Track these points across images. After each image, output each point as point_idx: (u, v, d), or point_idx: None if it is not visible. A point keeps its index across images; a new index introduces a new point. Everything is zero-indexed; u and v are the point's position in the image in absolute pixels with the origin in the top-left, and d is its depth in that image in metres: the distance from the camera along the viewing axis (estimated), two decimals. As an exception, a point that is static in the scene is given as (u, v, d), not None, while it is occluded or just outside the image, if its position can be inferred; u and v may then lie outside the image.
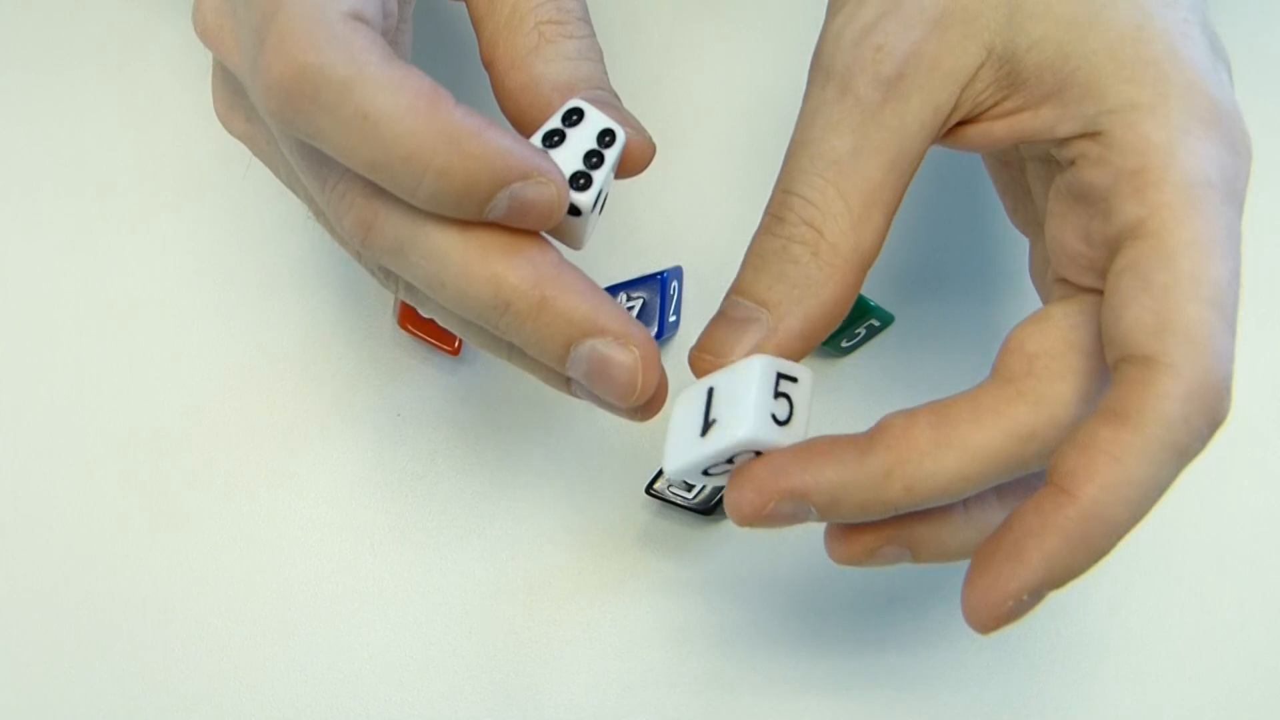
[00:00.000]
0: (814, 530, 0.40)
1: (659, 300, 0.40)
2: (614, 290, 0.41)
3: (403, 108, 0.26)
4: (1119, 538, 0.27)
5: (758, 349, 0.29)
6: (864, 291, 0.40)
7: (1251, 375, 0.41)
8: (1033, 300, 0.41)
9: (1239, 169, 0.29)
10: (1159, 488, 0.27)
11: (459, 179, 0.27)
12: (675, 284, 0.41)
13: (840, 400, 0.41)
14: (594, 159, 0.29)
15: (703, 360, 0.30)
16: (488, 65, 0.31)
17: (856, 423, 0.40)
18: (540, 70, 0.30)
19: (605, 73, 0.31)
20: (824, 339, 0.30)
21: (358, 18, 0.27)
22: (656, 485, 0.39)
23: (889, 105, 0.30)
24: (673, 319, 0.41)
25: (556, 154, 0.29)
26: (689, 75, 0.45)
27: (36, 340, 0.41)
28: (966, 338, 0.41)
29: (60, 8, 0.45)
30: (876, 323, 0.41)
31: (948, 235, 0.43)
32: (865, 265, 0.30)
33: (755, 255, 0.31)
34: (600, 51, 0.31)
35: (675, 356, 0.42)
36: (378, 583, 0.39)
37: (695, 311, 0.42)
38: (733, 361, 0.30)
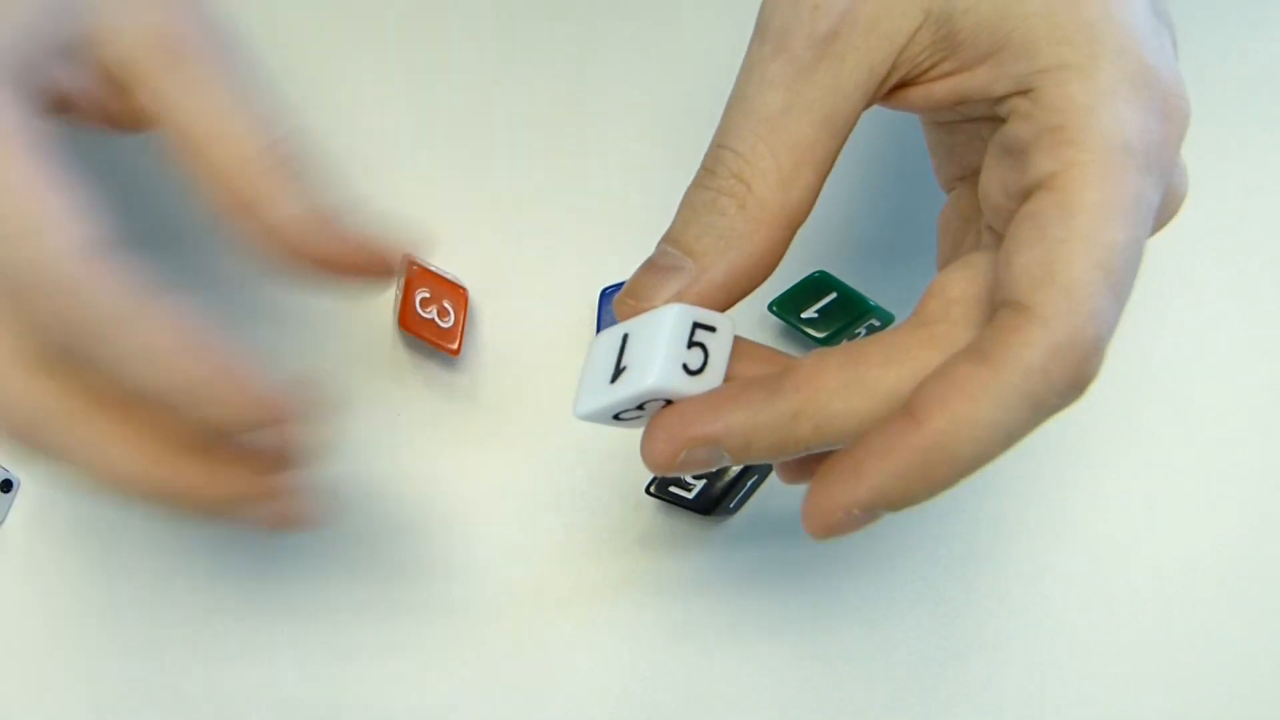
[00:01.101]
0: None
1: (659, 300, 0.40)
2: (614, 290, 0.41)
3: (161, 349, 0.29)
4: (960, 474, 0.28)
5: (679, 297, 0.30)
6: (863, 291, 0.41)
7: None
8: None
9: (1167, 134, 0.29)
10: (1008, 433, 0.27)
11: (226, 409, 0.30)
12: (675, 284, 0.41)
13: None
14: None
15: (625, 305, 0.31)
16: (233, 214, 0.32)
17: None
18: (291, 207, 0.32)
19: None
20: (748, 292, 0.31)
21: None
22: (656, 485, 0.39)
23: (823, 64, 0.30)
24: (673, 319, 0.41)
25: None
26: (689, 74, 0.45)
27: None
28: (966, 337, 0.41)
29: None
30: (877, 322, 0.41)
31: (948, 235, 0.43)
32: (793, 223, 0.31)
33: (686, 206, 0.31)
34: (319, 173, 0.33)
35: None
36: (377, 583, 0.39)
37: (695, 311, 0.42)
38: (653, 307, 0.30)
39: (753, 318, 0.41)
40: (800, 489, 0.39)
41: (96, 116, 0.33)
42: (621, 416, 0.30)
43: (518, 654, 0.39)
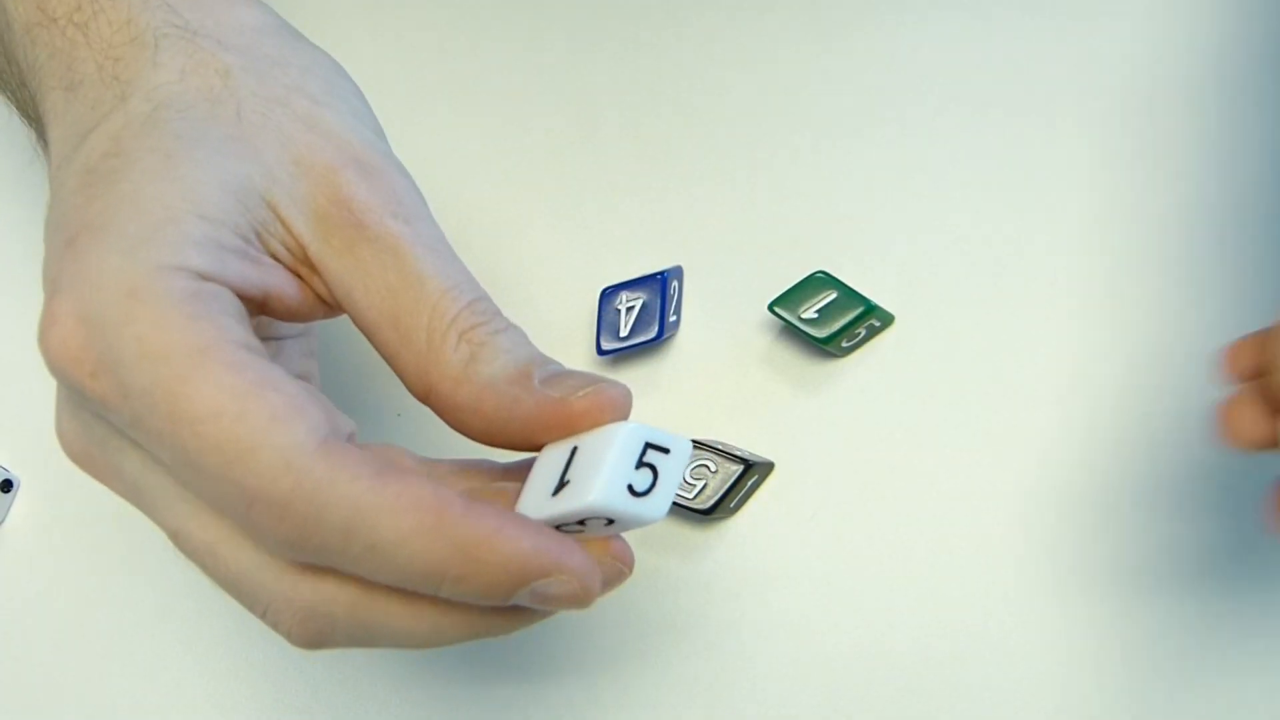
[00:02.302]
0: (814, 531, 0.40)
1: (659, 300, 0.40)
2: (614, 290, 0.41)
3: (408, 531, 0.26)
4: None
5: None
6: (864, 291, 0.41)
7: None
8: (1032, 300, 0.41)
9: None
10: None
11: (477, 584, 0.27)
12: (675, 284, 0.41)
13: (840, 400, 0.41)
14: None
15: None
16: (426, 394, 0.30)
17: (856, 423, 0.40)
18: (488, 374, 0.29)
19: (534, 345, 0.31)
20: None
21: (332, 436, 0.27)
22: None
23: None
24: (673, 319, 0.41)
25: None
26: (689, 76, 0.45)
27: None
28: (966, 338, 0.41)
29: None
30: (877, 323, 0.41)
31: (949, 235, 0.43)
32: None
33: None
34: (520, 329, 0.31)
35: (675, 356, 0.42)
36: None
37: (695, 311, 0.42)
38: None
39: (753, 318, 0.42)
40: (787, 493, 0.39)
41: (282, 312, 0.31)
42: (564, 529, 0.29)
43: (516, 652, 0.39)
